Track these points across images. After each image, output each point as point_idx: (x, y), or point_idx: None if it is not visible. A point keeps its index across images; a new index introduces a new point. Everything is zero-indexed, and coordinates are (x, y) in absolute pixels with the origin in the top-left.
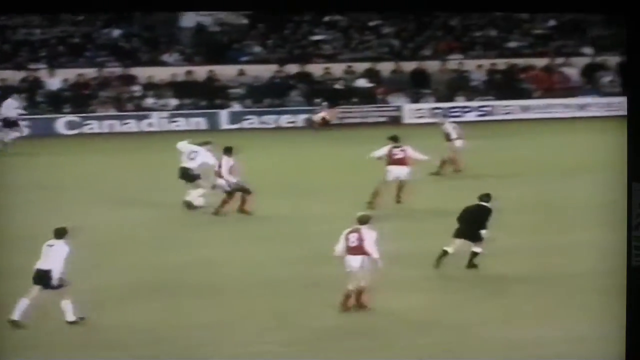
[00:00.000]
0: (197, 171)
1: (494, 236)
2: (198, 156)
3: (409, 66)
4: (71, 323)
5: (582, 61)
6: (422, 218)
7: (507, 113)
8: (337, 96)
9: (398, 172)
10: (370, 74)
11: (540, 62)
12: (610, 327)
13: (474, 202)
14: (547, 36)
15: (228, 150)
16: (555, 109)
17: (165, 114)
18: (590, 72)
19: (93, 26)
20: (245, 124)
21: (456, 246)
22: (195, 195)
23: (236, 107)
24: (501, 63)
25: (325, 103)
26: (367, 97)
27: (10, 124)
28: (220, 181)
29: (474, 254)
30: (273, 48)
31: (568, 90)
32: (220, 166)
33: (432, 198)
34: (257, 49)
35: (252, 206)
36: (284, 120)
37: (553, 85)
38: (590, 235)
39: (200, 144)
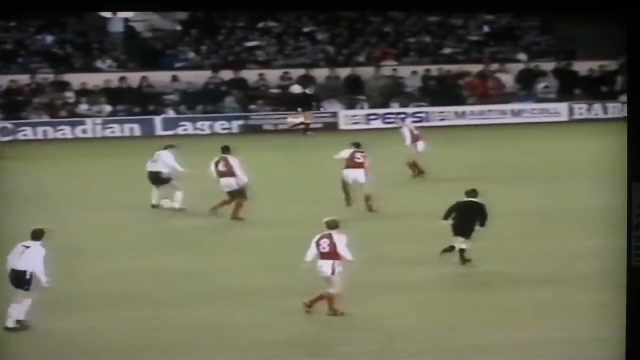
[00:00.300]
0: (166, 174)
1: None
2: (160, 159)
3: (343, 72)
4: (9, 329)
5: (516, 67)
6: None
7: (442, 119)
8: (273, 102)
9: (356, 174)
10: (304, 80)
11: (475, 68)
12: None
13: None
14: (482, 42)
15: (227, 149)
16: (491, 115)
17: (99, 120)
18: (525, 78)
19: (25, 32)
20: (179, 130)
21: (459, 243)
22: (178, 199)
23: (170, 113)
24: (435, 69)
25: (300, 108)
26: (302, 104)
27: None
28: (229, 181)
29: (462, 251)
30: (207, 54)
31: (503, 96)
32: (225, 166)
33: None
34: (191, 55)
35: (247, 212)
36: (219, 126)
37: (488, 92)
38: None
39: (165, 148)
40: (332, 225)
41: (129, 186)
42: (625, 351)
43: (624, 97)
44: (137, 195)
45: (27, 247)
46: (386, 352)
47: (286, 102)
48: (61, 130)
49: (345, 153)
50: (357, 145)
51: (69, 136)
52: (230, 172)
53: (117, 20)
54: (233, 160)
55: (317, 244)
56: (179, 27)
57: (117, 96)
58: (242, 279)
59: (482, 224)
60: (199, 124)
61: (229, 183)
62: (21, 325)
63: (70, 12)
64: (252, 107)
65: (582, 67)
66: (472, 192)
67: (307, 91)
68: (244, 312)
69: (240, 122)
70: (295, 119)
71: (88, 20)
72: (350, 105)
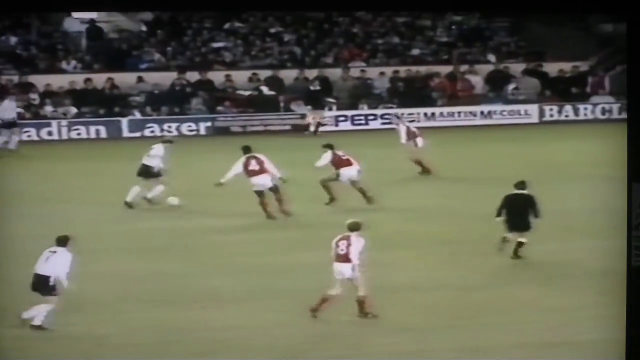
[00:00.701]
0: (157, 168)
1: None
2: (156, 154)
3: (311, 74)
4: (35, 327)
5: (486, 68)
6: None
7: (411, 121)
8: (241, 103)
9: (349, 172)
10: (271, 82)
11: (444, 69)
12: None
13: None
14: (451, 43)
15: (249, 149)
16: (460, 116)
17: (64, 122)
18: (495, 80)
19: None
20: (146, 132)
21: (513, 238)
22: (157, 192)
23: (137, 115)
24: (404, 70)
25: (309, 107)
26: (270, 105)
27: (9, 125)
28: (263, 178)
29: (520, 244)
30: (173, 55)
31: (472, 97)
32: (258, 164)
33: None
34: (157, 56)
35: (290, 206)
36: (186, 128)
37: (457, 93)
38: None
39: (162, 142)
40: (353, 227)
41: (101, 188)
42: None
43: (595, 99)
44: (108, 196)
45: (54, 252)
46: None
47: (254, 103)
48: (26, 132)
49: (326, 157)
50: (329, 147)
51: (35, 138)
52: (262, 170)
53: (82, 21)
54: (263, 158)
55: (336, 245)
56: (144, 28)
57: (82, 98)
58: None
59: (536, 215)
60: (165, 126)
61: (263, 181)
62: (38, 329)
63: (35, 13)
64: (219, 108)
65: (552, 68)
66: (521, 184)
67: (312, 87)
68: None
69: (208, 124)
70: (311, 119)
71: (52, 21)
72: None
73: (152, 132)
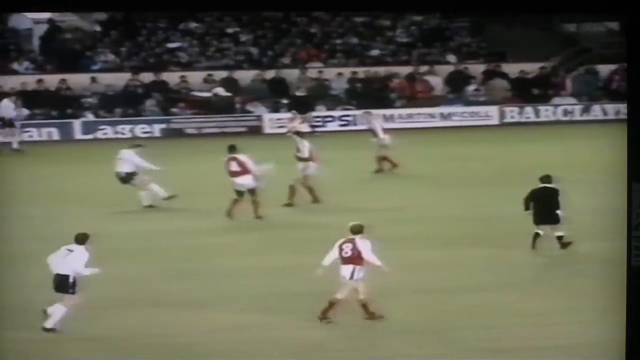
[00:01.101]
0: (128, 173)
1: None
2: (126, 158)
3: (268, 74)
4: (47, 330)
5: (446, 69)
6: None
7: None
8: (195, 105)
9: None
10: (227, 83)
11: (404, 70)
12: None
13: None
14: (410, 44)
15: (234, 149)
16: (419, 118)
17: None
18: (455, 81)
19: None
20: (99, 134)
21: (545, 231)
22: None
23: (89, 116)
24: (363, 71)
25: (293, 111)
26: (225, 107)
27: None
28: (245, 179)
29: (560, 238)
30: (127, 56)
31: (432, 99)
32: (239, 165)
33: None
34: (111, 56)
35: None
36: (140, 130)
37: (416, 94)
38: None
39: (130, 147)
40: (356, 230)
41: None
42: (626, 352)
43: (556, 100)
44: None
45: (71, 250)
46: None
47: (210, 105)
48: None
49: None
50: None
51: None
52: (245, 171)
53: (34, 21)
54: (245, 158)
55: (340, 249)
56: (98, 28)
57: (34, 99)
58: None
59: (557, 207)
60: (119, 128)
61: (245, 181)
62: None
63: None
64: (174, 110)
65: (513, 69)
66: (547, 178)
67: (298, 93)
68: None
69: (162, 125)
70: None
71: (3, 21)
72: (275, 109)
73: (105, 134)
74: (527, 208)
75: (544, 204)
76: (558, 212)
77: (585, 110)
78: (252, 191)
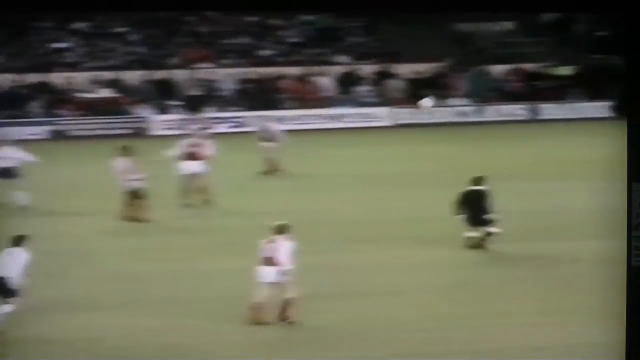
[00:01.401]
0: (14, 169)
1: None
2: (5, 155)
3: (155, 75)
4: None
5: (338, 70)
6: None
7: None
8: (81, 107)
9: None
10: (114, 84)
11: (295, 71)
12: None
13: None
14: (302, 44)
15: (127, 149)
16: (310, 119)
17: None
18: (346, 82)
19: None
20: None
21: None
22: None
23: None
24: (253, 72)
25: (189, 111)
26: (110, 108)
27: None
28: (131, 182)
29: (488, 234)
30: (11, 56)
31: (323, 100)
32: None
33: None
34: None
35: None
36: (25, 132)
37: (306, 95)
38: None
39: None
40: (280, 230)
41: None
42: (625, 352)
43: (452, 101)
44: None
45: (10, 253)
46: None
47: (96, 106)
48: None
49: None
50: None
51: None
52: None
53: None
54: (134, 160)
55: (262, 249)
56: None
57: None
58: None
59: (487, 211)
60: (3, 130)
61: (133, 184)
62: None
63: None
64: (60, 112)
65: (406, 69)
66: (477, 180)
67: (188, 94)
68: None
69: (48, 127)
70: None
71: None
72: (163, 110)
73: None
74: (458, 212)
75: (472, 207)
76: (487, 216)
77: (480, 111)
78: (138, 194)
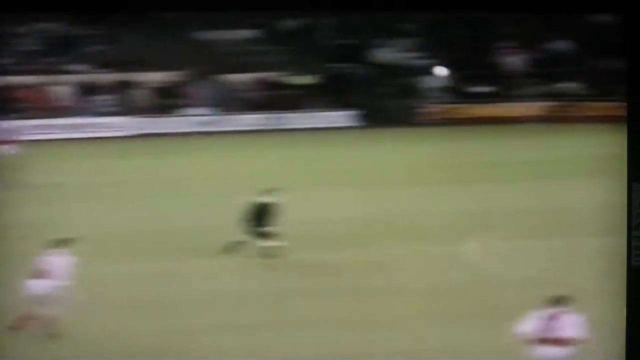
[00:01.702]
0: None
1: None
2: None
3: None
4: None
5: (76, 79)
6: None
7: None
8: None
9: None
10: None
11: (32, 80)
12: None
13: None
14: (39, 52)
15: None
16: (49, 129)
17: None
18: (86, 91)
19: None
20: None
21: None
22: None
23: None
24: None
25: None
26: None
27: None
28: None
29: (272, 246)
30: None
31: (62, 109)
32: None
33: None
34: None
35: None
36: None
37: (45, 105)
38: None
39: None
40: (59, 244)
41: None
42: (625, 351)
43: (190, 110)
44: None
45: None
46: None
47: None
48: None
49: None
50: None
51: None
52: None
53: None
54: None
55: (37, 262)
56: None
57: None
58: None
59: (267, 224)
60: None
61: None
62: None
63: None
64: None
65: (147, 78)
66: (267, 192)
67: None
68: None
69: None
70: None
71: None
72: None
73: None
74: (245, 221)
75: (254, 218)
76: (267, 228)
77: (224, 121)
78: None
